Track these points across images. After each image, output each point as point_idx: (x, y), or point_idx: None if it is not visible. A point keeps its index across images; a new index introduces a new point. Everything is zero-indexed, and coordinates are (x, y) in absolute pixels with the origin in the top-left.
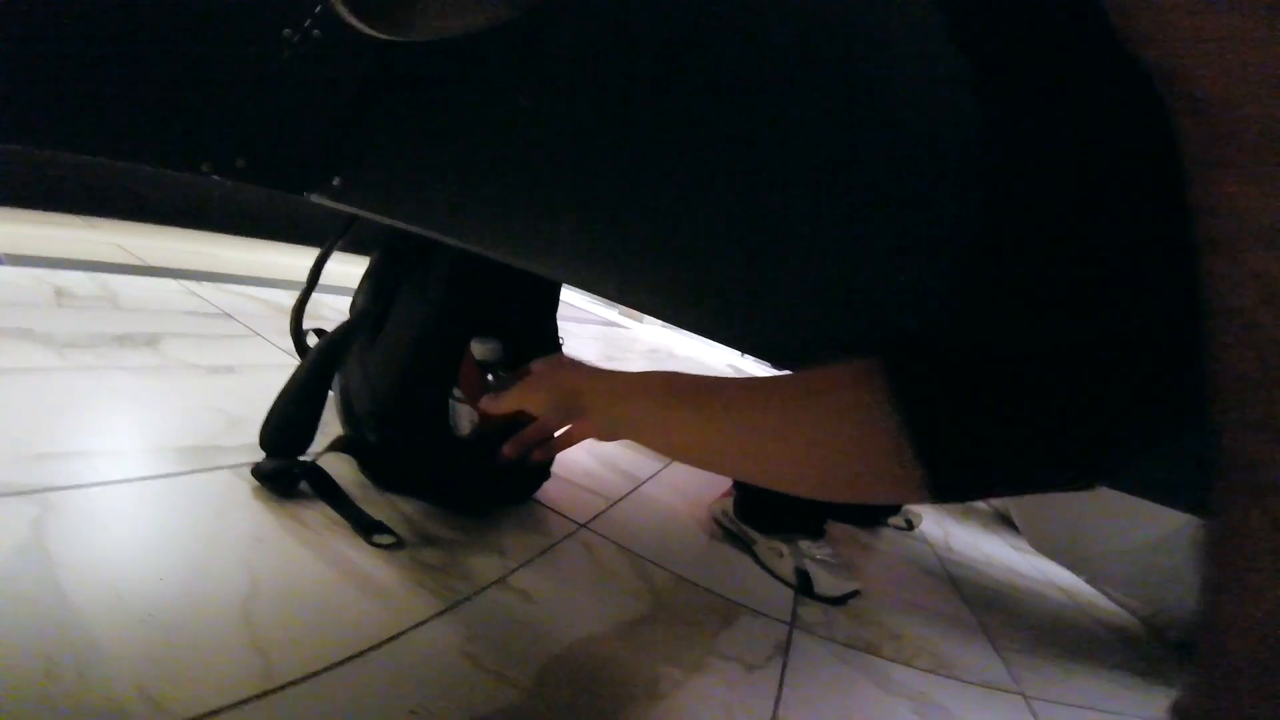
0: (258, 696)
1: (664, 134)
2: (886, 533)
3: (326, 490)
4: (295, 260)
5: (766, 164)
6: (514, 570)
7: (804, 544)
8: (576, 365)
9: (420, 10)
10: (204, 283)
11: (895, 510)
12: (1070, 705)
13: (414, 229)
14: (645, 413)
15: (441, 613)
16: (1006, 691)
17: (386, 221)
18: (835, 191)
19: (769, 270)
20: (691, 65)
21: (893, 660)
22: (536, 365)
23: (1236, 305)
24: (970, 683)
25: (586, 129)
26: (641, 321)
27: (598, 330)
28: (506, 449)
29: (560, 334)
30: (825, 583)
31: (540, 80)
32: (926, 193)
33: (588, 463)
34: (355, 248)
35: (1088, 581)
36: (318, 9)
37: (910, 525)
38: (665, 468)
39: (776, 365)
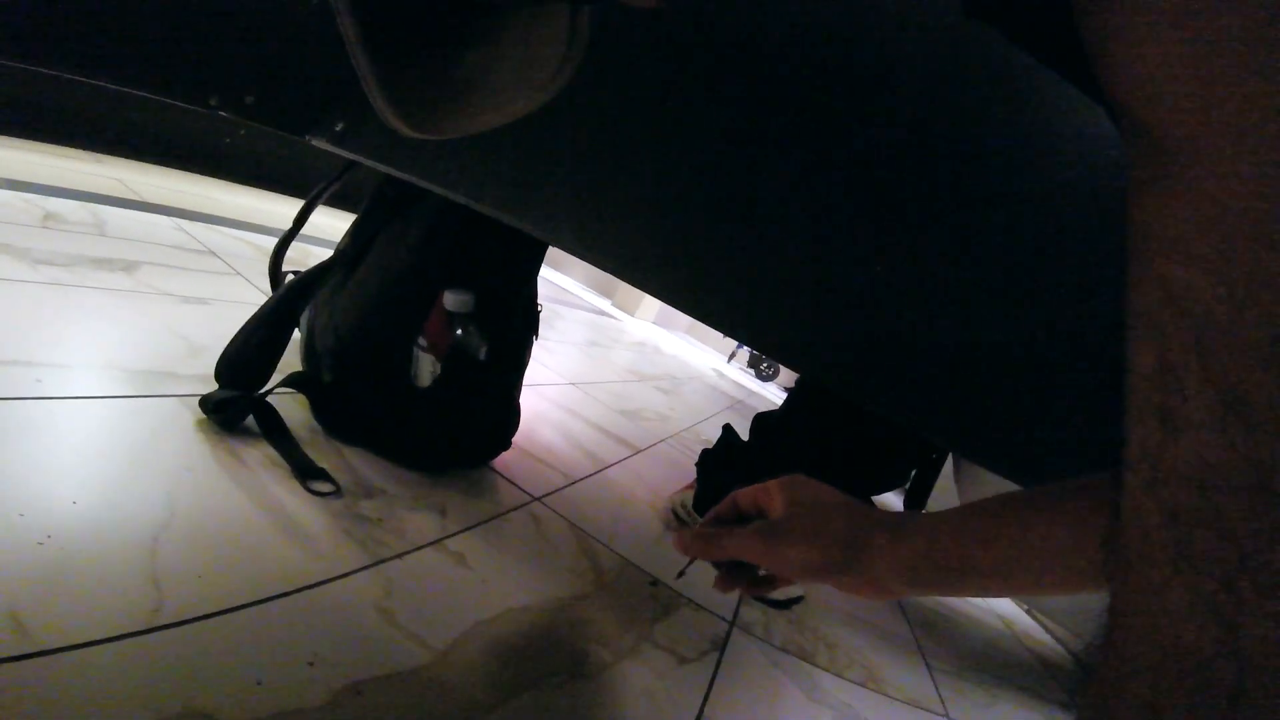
0: (139, 633)
1: (681, 117)
2: None
3: (272, 429)
4: (290, 210)
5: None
6: (453, 534)
7: None
8: (844, 506)
9: (462, 117)
10: (195, 222)
11: None
12: None
13: (409, 177)
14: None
15: (366, 567)
16: (930, 711)
17: (383, 169)
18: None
19: (784, 267)
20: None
21: (825, 669)
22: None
23: (1142, 307)
24: (896, 699)
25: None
26: (633, 315)
27: (587, 317)
28: (719, 584)
29: (539, 303)
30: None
31: None
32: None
33: (554, 439)
34: (345, 203)
35: (1028, 610)
36: None
37: None
38: (632, 455)
39: (774, 358)
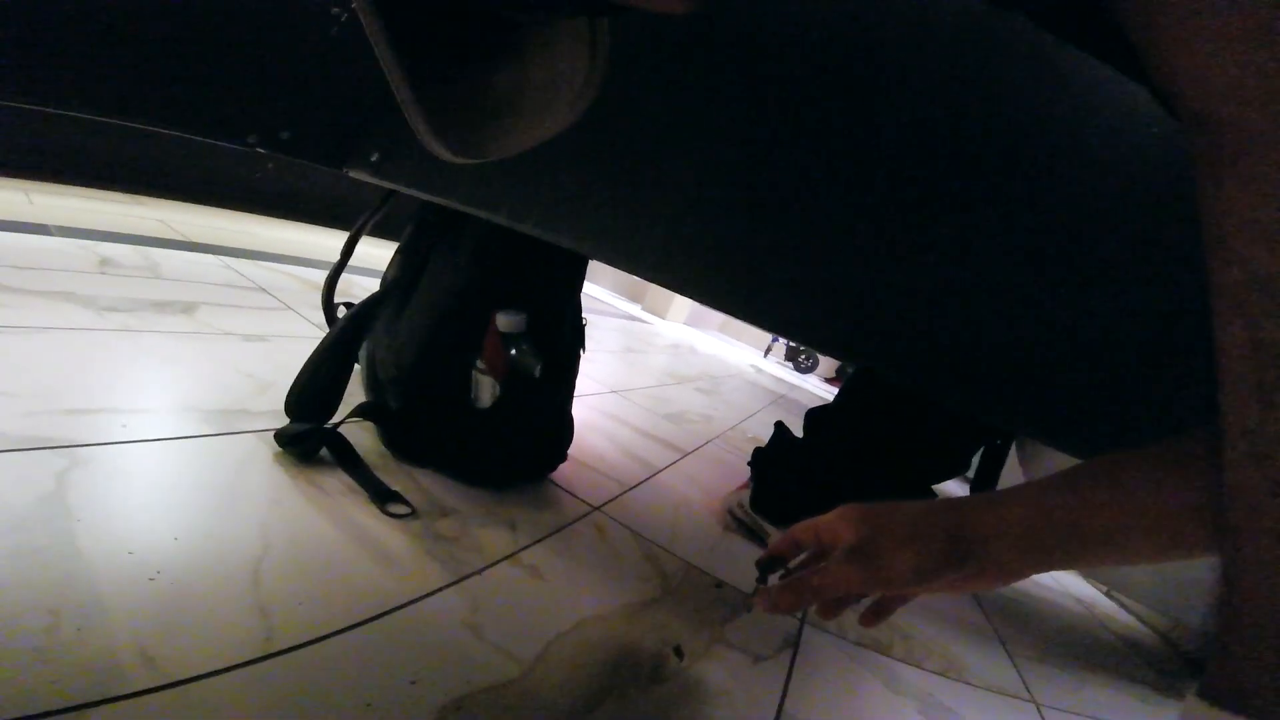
0: (257, 660)
1: (707, 120)
2: None
3: (346, 457)
4: (330, 241)
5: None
6: (525, 547)
7: None
8: (923, 505)
9: (501, 138)
10: (241, 259)
11: None
12: (1082, 715)
13: (449, 203)
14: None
15: (450, 584)
16: (1017, 698)
17: (421, 196)
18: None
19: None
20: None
21: (902, 660)
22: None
23: (1227, 287)
24: (980, 687)
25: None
26: (664, 317)
27: (620, 324)
28: (823, 613)
29: (584, 317)
30: None
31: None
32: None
33: (604, 447)
34: (386, 232)
35: (1106, 593)
36: None
37: None
38: (682, 458)
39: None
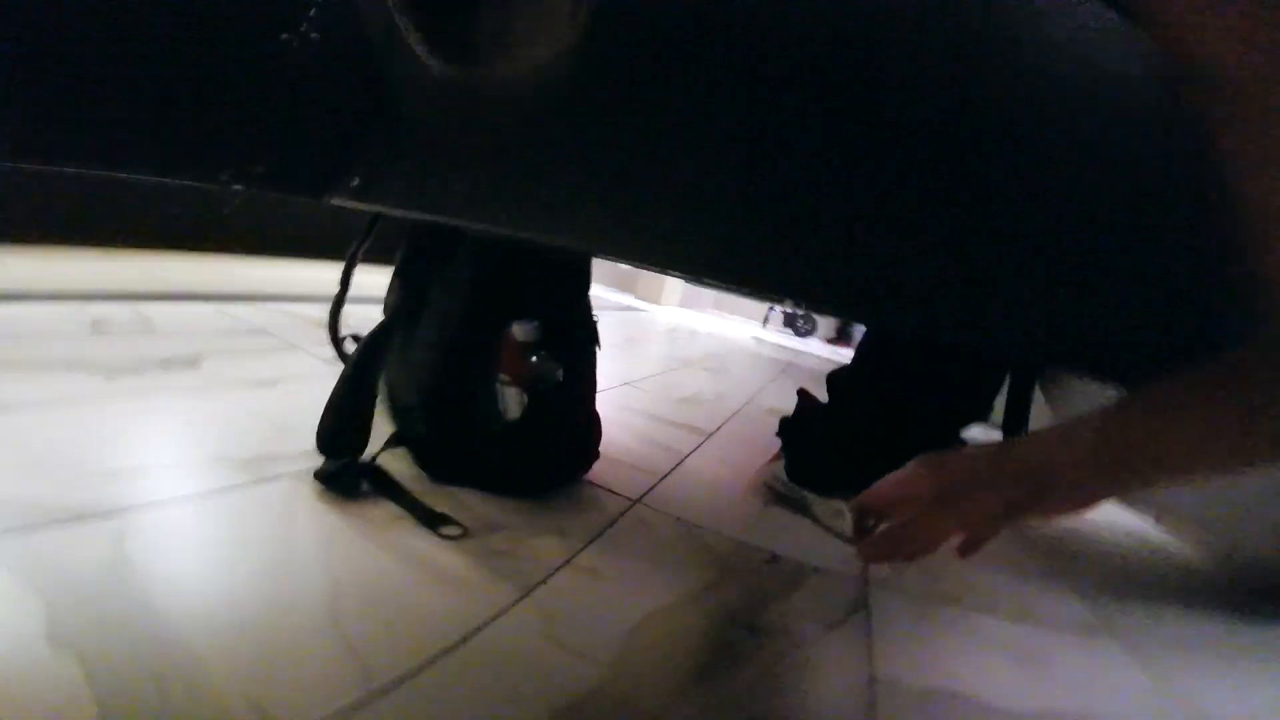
0: (363, 701)
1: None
2: None
3: (388, 487)
4: (320, 273)
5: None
6: (579, 551)
7: None
8: (988, 446)
9: (494, 44)
10: (235, 303)
11: None
12: (1171, 648)
13: (440, 219)
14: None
15: (521, 598)
16: (1099, 637)
17: (411, 216)
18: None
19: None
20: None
21: (975, 610)
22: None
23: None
24: (1060, 629)
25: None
26: (658, 303)
27: (616, 316)
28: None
29: (595, 314)
30: None
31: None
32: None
33: (628, 440)
34: (379, 256)
35: (1153, 521)
36: (312, 12)
37: None
38: (706, 440)
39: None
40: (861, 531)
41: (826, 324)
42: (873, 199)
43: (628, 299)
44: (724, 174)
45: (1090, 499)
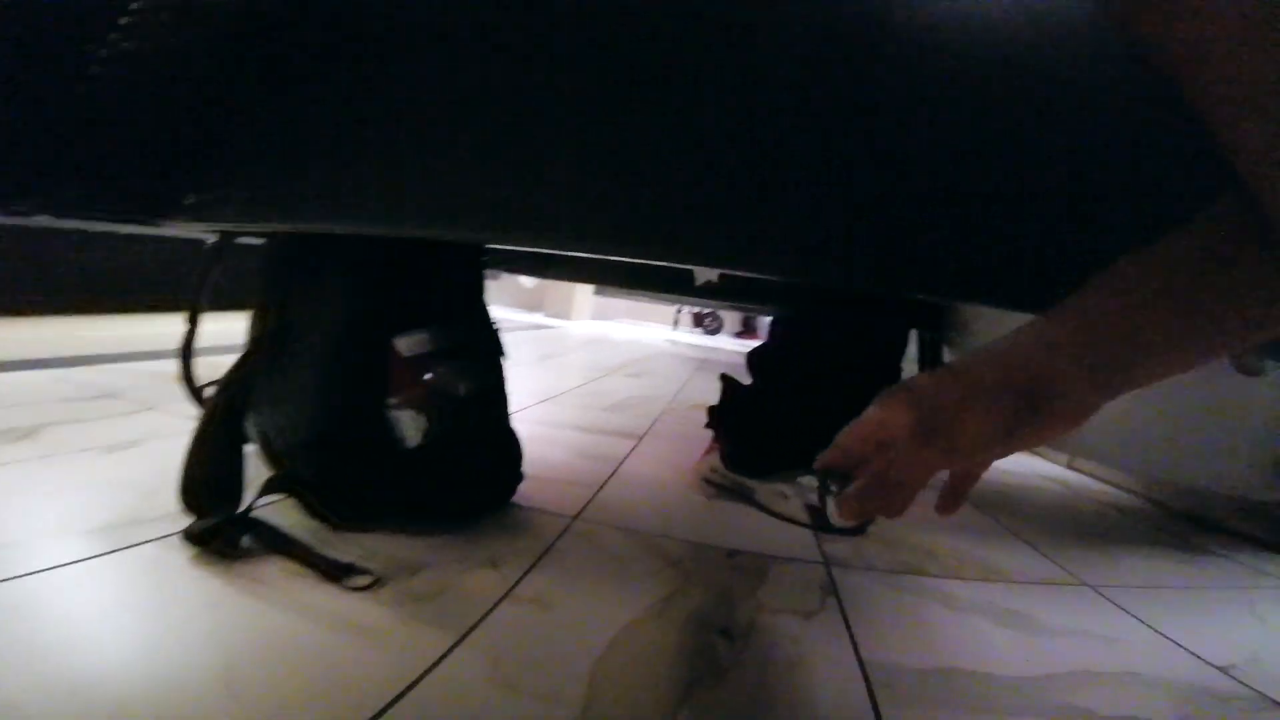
0: None
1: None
2: None
3: (276, 541)
4: (171, 328)
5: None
6: (518, 581)
7: (805, 480)
8: (958, 366)
9: None
10: (74, 367)
11: None
12: (1134, 587)
13: (300, 227)
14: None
15: (456, 644)
16: (1071, 585)
17: (263, 229)
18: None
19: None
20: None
21: (943, 577)
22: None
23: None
24: (1029, 583)
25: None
26: (569, 318)
27: (526, 335)
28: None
29: (495, 321)
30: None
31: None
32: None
33: (557, 456)
34: (237, 303)
35: (1068, 464)
36: (124, 21)
37: None
38: (638, 443)
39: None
40: (825, 497)
41: (732, 320)
42: (775, 154)
43: (537, 317)
44: (619, 139)
45: (1084, 411)
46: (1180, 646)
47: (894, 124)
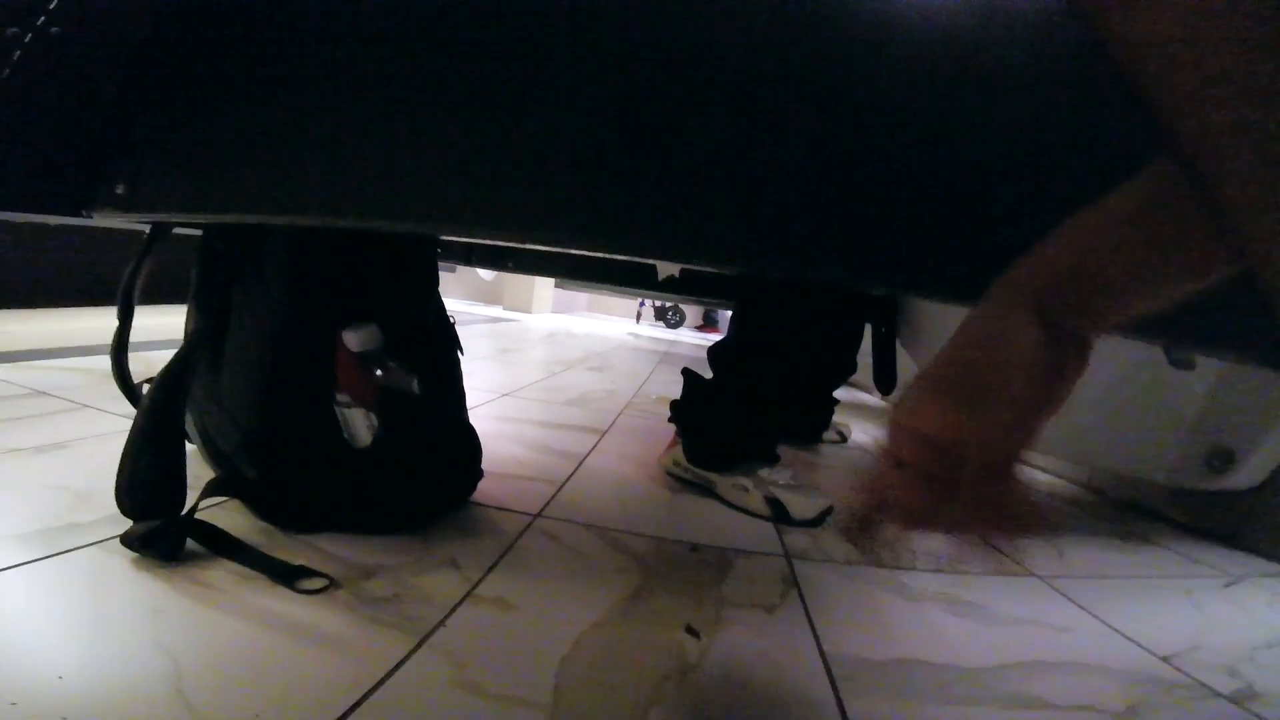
0: None
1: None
2: (824, 448)
3: (222, 545)
4: (101, 322)
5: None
6: (479, 581)
7: (764, 473)
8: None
9: None
10: (1, 365)
11: (828, 426)
12: (1077, 577)
13: (236, 218)
14: None
15: (416, 648)
16: (1021, 576)
17: (197, 220)
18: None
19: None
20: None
21: (897, 568)
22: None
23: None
24: (981, 574)
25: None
26: (530, 311)
27: (485, 329)
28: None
29: (450, 315)
30: (799, 506)
31: None
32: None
33: (518, 452)
34: (172, 296)
35: None
36: (53, 4)
37: (843, 437)
38: (601, 438)
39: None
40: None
41: (694, 313)
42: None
43: (496, 310)
44: (574, 127)
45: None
46: (1125, 637)
47: (849, 121)
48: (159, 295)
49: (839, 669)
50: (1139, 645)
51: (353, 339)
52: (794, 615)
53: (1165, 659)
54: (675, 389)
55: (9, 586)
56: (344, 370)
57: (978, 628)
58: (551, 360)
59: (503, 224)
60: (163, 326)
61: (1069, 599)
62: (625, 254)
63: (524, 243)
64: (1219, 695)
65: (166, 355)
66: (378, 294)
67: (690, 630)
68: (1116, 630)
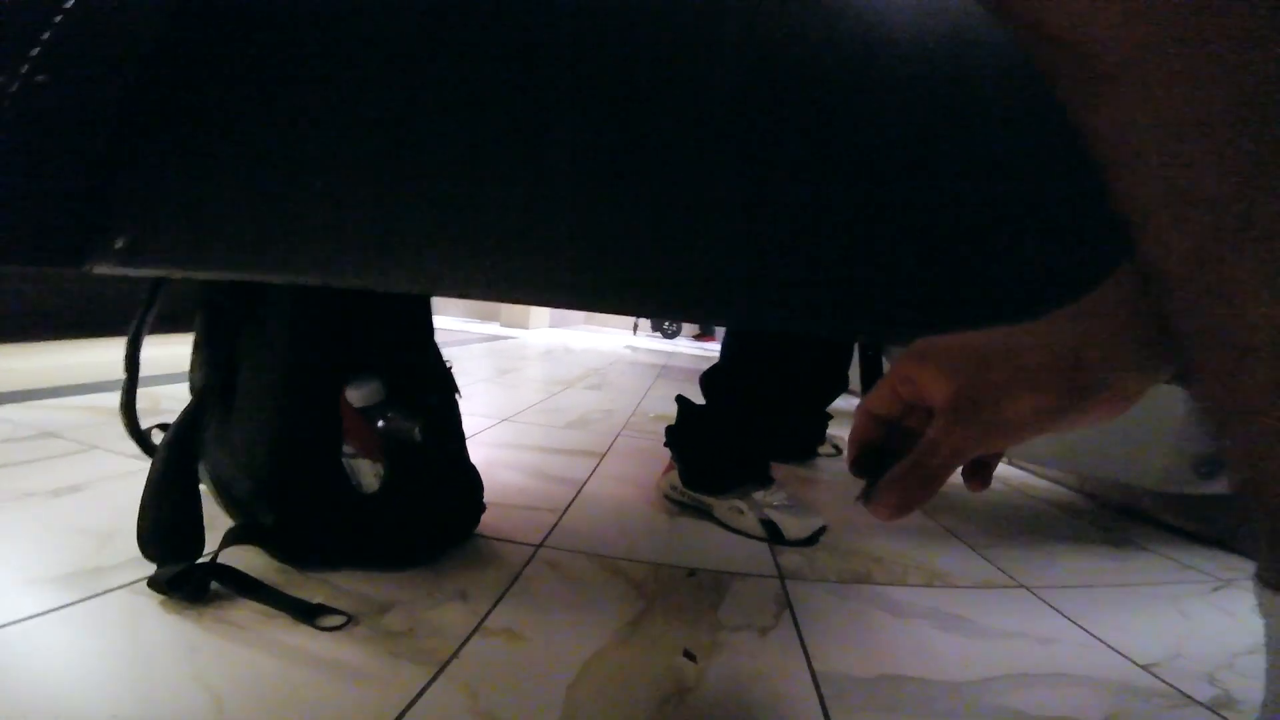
0: None
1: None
2: (820, 462)
3: (243, 585)
4: (111, 353)
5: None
6: (488, 613)
7: (758, 495)
8: (1005, 337)
9: None
10: (6, 405)
11: (823, 440)
12: (1068, 587)
13: (235, 276)
14: None
15: (434, 679)
16: (1004, 587)
17: (199, 276)
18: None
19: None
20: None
21: (889, 584)
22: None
23: (1143, 203)
24: (969, 587)
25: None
26: (527, 327)
27: (483, 348)
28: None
29: (447, 359)
30: (792, 527)
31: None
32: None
33: (518, 480)
34: (174, 324)
35: (1008, 461)
36: (35, 51)
37: (839, 450)
38: (600, 462)
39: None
40: (867, 495)
41: (690, 325)
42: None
43: (493, 328)
44: (559, 189)
45: (1131, 398)
46: (1109, 646)
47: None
48: (158, 324)
49: (828, 688)
50: (1121, 655)
51: (356, 395)
52: (787, 636)
53: (1147, 667)
54: (672, 406)
55: (52, 631)
56: (349, 424)
57: (964, 642)
58: (550, 379)
59: (493, 286)
60: (166, 358)
61: (1056, 610)
62: (612, 312)
63: (516, 302)
64: (1197, 703)
65: (169, 390)
66: (379, 346)
67: (688, 654)
68: (1100, 640)
